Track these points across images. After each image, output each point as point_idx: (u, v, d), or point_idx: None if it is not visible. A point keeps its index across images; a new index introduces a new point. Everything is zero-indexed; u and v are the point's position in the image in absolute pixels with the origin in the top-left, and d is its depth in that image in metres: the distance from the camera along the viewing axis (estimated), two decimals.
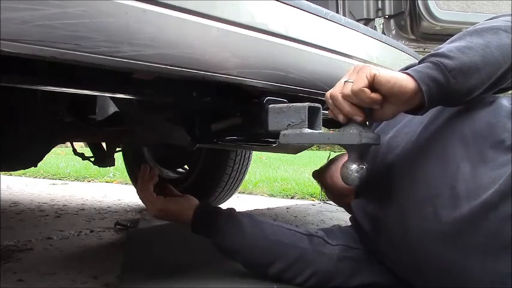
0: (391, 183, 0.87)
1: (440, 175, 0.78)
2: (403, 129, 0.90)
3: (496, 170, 0.71)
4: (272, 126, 0.80)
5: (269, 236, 0.98)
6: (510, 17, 0.77)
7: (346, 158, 0.76)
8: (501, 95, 0.87)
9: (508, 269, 0.68)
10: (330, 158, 1.22)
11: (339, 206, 1.22)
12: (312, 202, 2.65)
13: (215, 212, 1.02)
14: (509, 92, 0.86)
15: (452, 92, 0.71)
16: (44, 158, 1.46)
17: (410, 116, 0.89)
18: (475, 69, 0.71)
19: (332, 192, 1.16)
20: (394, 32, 1.38)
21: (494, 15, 0.82)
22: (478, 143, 0.75)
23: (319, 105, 0.78)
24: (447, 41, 0.77)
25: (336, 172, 1.10)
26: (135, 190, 2.36)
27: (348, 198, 1.05)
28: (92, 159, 1.81)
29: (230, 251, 1.00)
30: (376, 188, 0.92)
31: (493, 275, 0.70)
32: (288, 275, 0.97)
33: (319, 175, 1.18)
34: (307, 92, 0.87)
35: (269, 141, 0.97)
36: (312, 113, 0.77)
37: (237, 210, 1.04)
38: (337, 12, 1.39)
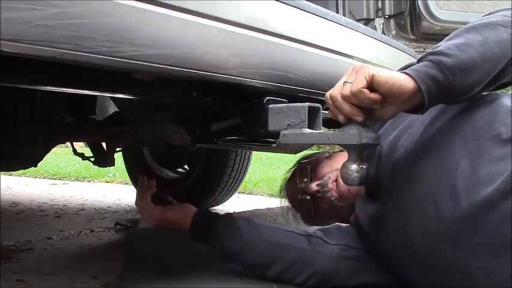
0: (393, 183, 0.87)
1: (441, 173, 0.78)
2: (407, 130, 0.90)
3: (494, 164, 0.71)
4: (272, 126, 0.80)
5: (267, 238, 0.98)
6: (508, 12, 0.77)
7: (342, 160, 0.75)
8: (500, 91, 0.87)
9: (509, 269, 0.68)
10: None
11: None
12: None
13: (213, 218, 1.02)
14: (509, 90, 0.86)
15: (451, 90, 0.71)
16: (44, 158, 1.46)
17: (413, 116, 0.89)
18: (474, 66, 0.71)
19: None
20: (394, 32, 1.37)
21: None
22: (476, 139, 0.75)
23: (319, 105, 0.78)
24: (445, 39, 0.76)
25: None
26: (135, 190, 2.37)
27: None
28: (92, 159, 1.82)
29: (230, 256, 1.01)
30: (379, 188, 0.92)
31: (494, 275, 0.70)
32: (287, 276, 0.98)
33: None
34: (307, 92, 0.87)
35: (269, 141, 0.97)
36: (312, 113, 0.77)
37: (235, 213, 1.04)
38: (337, 12, 1.39)
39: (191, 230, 1.01)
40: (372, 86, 0.68)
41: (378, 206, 0.91)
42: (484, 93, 0.79)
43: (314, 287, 0.97)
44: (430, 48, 0.77)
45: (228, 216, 1.03)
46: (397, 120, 0.80)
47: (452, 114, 0.82)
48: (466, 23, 0.78)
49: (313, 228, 1.07)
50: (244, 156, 2.13)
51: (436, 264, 0.79)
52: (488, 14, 0.79)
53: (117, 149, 1.87)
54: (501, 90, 0.87)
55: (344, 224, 1.09)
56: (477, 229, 0.71)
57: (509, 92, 0.87)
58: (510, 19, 0.75)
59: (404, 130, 0.90)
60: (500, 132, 0.73)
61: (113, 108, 1.37)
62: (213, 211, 1.05)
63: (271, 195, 3.01)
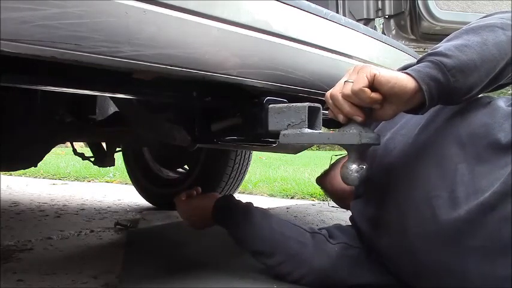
0: (389, 185, 0.87)
1: (438, 177, 0.78)
2: (400, 131, 0.90)
3: (494, 173, 0.71)
4: (272, 126, 0.80)
5: (274, 227, 1.02)
6: (505, 14, 0.77)
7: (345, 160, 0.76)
8: (497, 94, 0.87)
9: (507, 271, 0.68)
10: (331, 162, 1.23)
11: (343, 208, 1.24)
12: (312, 202, 2.64)
13: (234, 204, 1.08)
14: (509, 90, 0.87)
15: (452, 91, 0.71)
16: (44, 158, 1.46)
17: (407, 118, 0.89)
18: (474, 67, 0.71)
19: (333, 196, 1.19)
20: (394, 32, 1.37)
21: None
22: (474, 144, 0.75)
23: (319, 105, 0.78)
24: (444, 40, 0.77)
25: (335, 176, 1.12)
26: (135, 190, 2.37)
27: (349, 200, 1.06)
28: (92, 159, 1.81)
29: (241, 240, 1.05)
30: (374, 190, 0.92)
31: (491, 277, 0.70)
32: (286, 268, 0.99)
33: (321, 180, 1.20)
34: (307, 92, 0.87)
35: (269, 141, 0.97)
36: (312, 113, 0.77)
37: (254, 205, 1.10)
38: (337, 12, 1.39)
39: (213, 211, 1.08)
40: (373, 85, 0.68)
41: (375, 207, 0.91)
42: (478, 96, 0.79)
43: (312, 285, 0.97)
44: (430, 48, 0.77)
45: (248, 205, 1.07)
46: (391, 121, 0.80)
47: (447, 116, 0.82)
48: (466, 23, 0.78)
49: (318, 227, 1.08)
50: (244, 156, 2.13)
51: (434, 266, 0.79)
52: (486, 16, 0.80)
53: (117, 149, 1.87)
54: (500, 90, 0.87)
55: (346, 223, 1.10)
56: (475, 232, 0.71)
57: (509, 92, 0.87)
58: (508, 21, 0.75)
59: (398, 131, 0.91)
60: (499, 137, 0.73)
61: (112, 108, 1.38)
62: (236, 198, 1.11)
63: (271, 195, 3.01)
